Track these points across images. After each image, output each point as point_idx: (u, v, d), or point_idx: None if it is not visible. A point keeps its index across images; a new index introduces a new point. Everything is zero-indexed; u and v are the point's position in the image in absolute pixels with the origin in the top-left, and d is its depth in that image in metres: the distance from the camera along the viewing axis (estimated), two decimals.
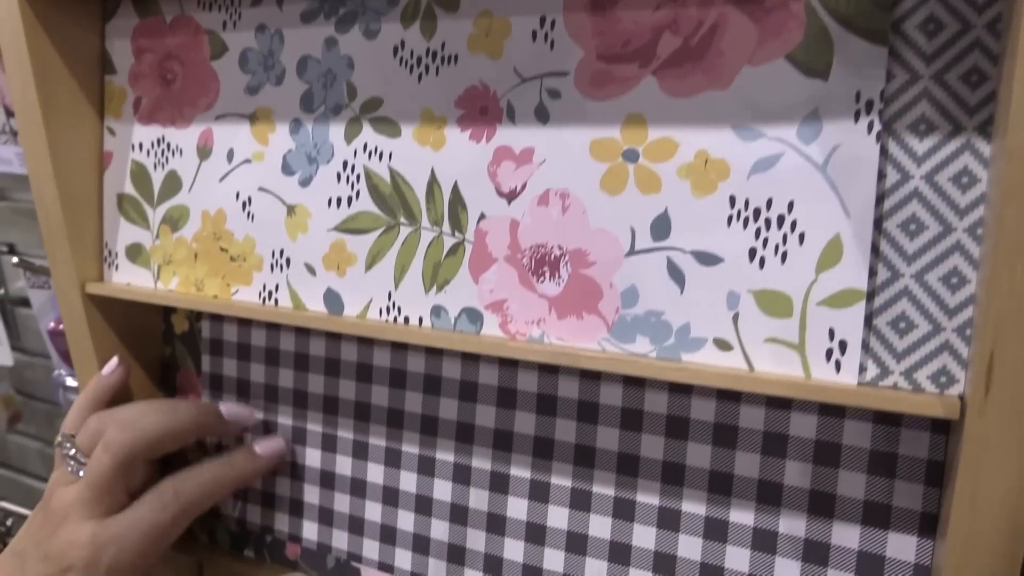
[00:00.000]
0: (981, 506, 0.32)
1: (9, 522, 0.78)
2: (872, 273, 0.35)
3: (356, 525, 0.52)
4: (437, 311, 0.43)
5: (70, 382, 0.74)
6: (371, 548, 0.52)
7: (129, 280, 0.54)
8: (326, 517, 0.53)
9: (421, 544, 0.50)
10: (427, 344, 0.42)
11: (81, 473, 0.47)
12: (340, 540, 0.53)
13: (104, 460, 0.45)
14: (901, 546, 0.38)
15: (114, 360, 0.53)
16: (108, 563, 0.44)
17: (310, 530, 0.54)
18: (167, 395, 0.59)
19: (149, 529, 0.45)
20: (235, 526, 0.57)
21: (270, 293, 0.48)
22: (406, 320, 0.44)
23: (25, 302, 0.83)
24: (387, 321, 0.44)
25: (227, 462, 0.50)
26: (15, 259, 0.70)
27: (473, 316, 0.42)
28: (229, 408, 0.52)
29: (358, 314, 0.45)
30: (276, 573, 0.55)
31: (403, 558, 0.51)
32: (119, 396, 0.53)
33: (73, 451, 0.47)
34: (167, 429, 0.48)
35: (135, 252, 0.53)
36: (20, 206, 0.79)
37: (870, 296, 0.35)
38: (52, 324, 0.72)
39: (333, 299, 0.46)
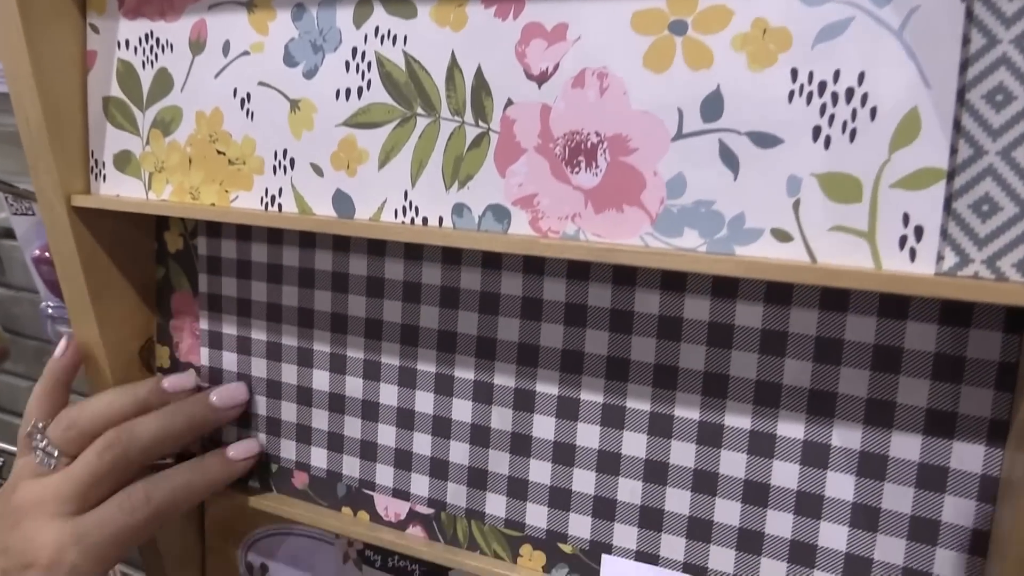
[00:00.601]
0: None
1: (0, 460, 0.75)
2: (953, 151, 0.31)
3: (368, 450, 0.49)
4: (459, 210, 0.39)
5: (56, 313, 0.70)
6: (385, 474, 0.48)
7: (118, 191, 0.50)
8: (336, 443, 0.50)
9: (439, 468, 0.47)
10: (449, 244, 0.38)
11: (51, 465, 0.45)
12: (351, 467, 0.50)
13: (94, 463, 0.44)
14: (967, 456, 0.35)
15: (63, 341, 0.50)
16: (72, 562, 0.42)
17: (318, 457, 0.51)
18: (163, 320, 0.55)
19: (117, 532, 0.43)
20: None
21: (273, 198, 0.44)
22: (424, 221, 0.40)
23: (8, 234, 0.79)
24: (403, 223, 0.41)
25: (200, 466, 0.48)
26: None
27: (500, 213, 0.39)
28: (219, 394, 0.50)
29: (371, 216, 0.42)
30: (282, 504, 0.52)
31: (420, 484, 0.47)
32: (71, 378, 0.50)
33: (44, 443, 0.45)
34: (166, 433, 0.46)
35: (124, 160, 0.49)
36: (1, 130, 0.74)
37: (950, 176, 0.31)
38: (37, 252, 0.68)
39: (343, 201, 0.42)
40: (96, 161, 0.50)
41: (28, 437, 0.46)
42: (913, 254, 0.32)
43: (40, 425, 0.46)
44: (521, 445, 0.44)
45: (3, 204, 0.71)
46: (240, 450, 0.51)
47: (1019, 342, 0.34)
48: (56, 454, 0.45)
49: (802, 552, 0.39)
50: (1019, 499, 0.32)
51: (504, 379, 0.44)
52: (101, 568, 0.43)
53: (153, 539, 0.57)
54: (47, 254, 0.67)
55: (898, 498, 0.37)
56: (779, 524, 0.39)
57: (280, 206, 0.44)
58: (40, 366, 0.82)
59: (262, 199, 0.45)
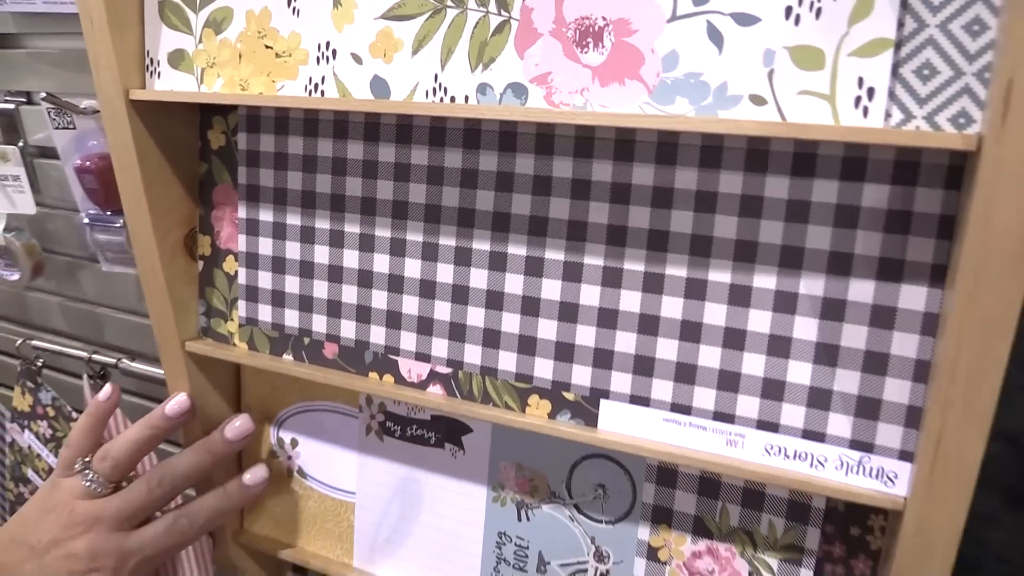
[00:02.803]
0: (994, 222, 0.35)
1: (40, 362, 0.81)
2: (900, 24, 0.38)
3: (393, 320, 0.55)
4: (483, 88, 0.46)
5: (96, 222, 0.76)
6: (408, 340, 0.55)
7: (172, 86, 0.55)
8: (363, 315, 0.56)
9: (457, 332, 0.53)
10: (474, 116, 0.44)
11: (99, 491, 0.56)
12: (378, 335, 0.56)
13: (146, 493, 0.56)
14: (912, 297, 0.42)
15: (108, 387, 0.60)
16: (130, 569, 0.55)
17: (348, 329, 0.57)
18: (205, 212, 0.61)
19: (164, 548, 0.56)
20: (272, 331, 0.60)
21: (316, 86, 0.50)
22: (452, 100, 0.46)
23: (44, 153, 0.84)
24: (433, 102, 0.47)
25: (224, 494, 0.60)
26: (43, 94, 0.71)
27: (518, 90, 0.45)
28: (232, 431, 0.60)
29: (404, 97, 0.48)
30: (315, 372, 0.58)
31: (439, 347, 0.54)
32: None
33: (92, 475, 0.56)
34: (199, 469, 0.59)
35: (178, 58, 0.55)
36: (37, 51, 0.80)
37: (897, 46, 0.38)
38: (79, 161, 0.74)
39: (380, 86, 0.48)
40: (152, 60, 0.56)
41: (75, 470, 0.57)
42: (866, 112, 0.38)
43: (87, 460, 0.57)
44: (530, 306, 0.51)
45: (45, 122, 0.77)
46: (255, 477, 0.62)
47: (957, 197, 0.41)
48: (102, 482, 0.56)
49: (773, 388, 0.46)
50: (954, 328, 0.39)
51: (516, 248, 0.50)
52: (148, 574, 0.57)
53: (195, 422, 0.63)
54: (88, 163, 0.73)
55: (854, 336, 0.44)
56: (754, 364, 0.46)
57: (323, 92, 0.50)
58: (72, 282, 0.88)
59: (306, 87, 0.51)
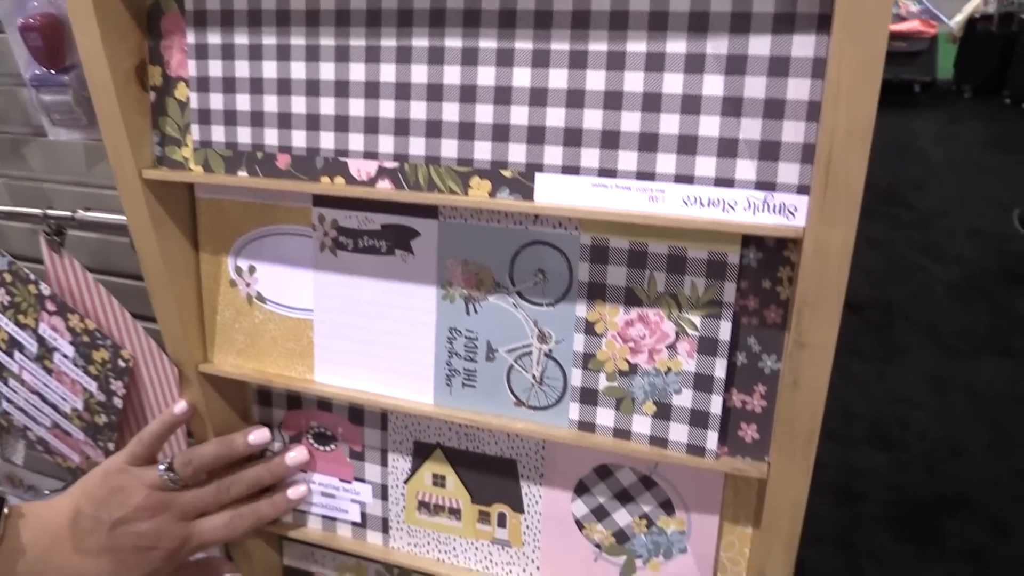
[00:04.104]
0: None
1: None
2: None
3: (341, 124, 0.59)
4: None
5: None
6: (356, 141, 0.59)
7: None
8: (313, 123, 0.60)
9: (401, 127, 0.57)
10: None
11: (173, 486, 0.66)
12: (327, 141, 0.60)
13: (214, 495, 0.68)
14: (804, 45, 0.47)
15: (183, 403, 0.72)
16: (184, 553, 0.65)
17: (299, 138, 0.61)
18: (154, 42, 0.64)
19: (216, 540, 0.67)
20: (226, 150, 0.63)
21: None
22: None
23: None
24: None
25: (271, 502, 0.72)
26: None
27: None
28: (291, 460, 0.72)
29: None
30: (268, 183, 0.62)
31: (386, 143, 0.58)
32: None
33: (171, 474, 0.66)
34: (258, 483, 0.71)
35: None
36: None
37: None
38: (22, 20, 0.75)
39: None
40: None
41: (157, 467, 0.67)
42: None
43: (169, 463, 0.67)
44: (467, 94, 0.55)
45: None
46: (297, 494, 0.73)
47: None
48: (179, 480, 0.66)
49: (687, 144, 0.51)
50: (835, 62, 0.44)
51: (452, 42, 0.55)
52: (193, 555, 0.67)
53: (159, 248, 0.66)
54: (32, 21, 0.74)
55: (755, 87, 0.49)
56: (670, 124, 0.51)
57: None
58: (15, 158, 0.89)
59: None
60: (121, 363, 0.78)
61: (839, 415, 2.47)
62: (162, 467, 0.67)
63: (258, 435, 0.72)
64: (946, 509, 2.13)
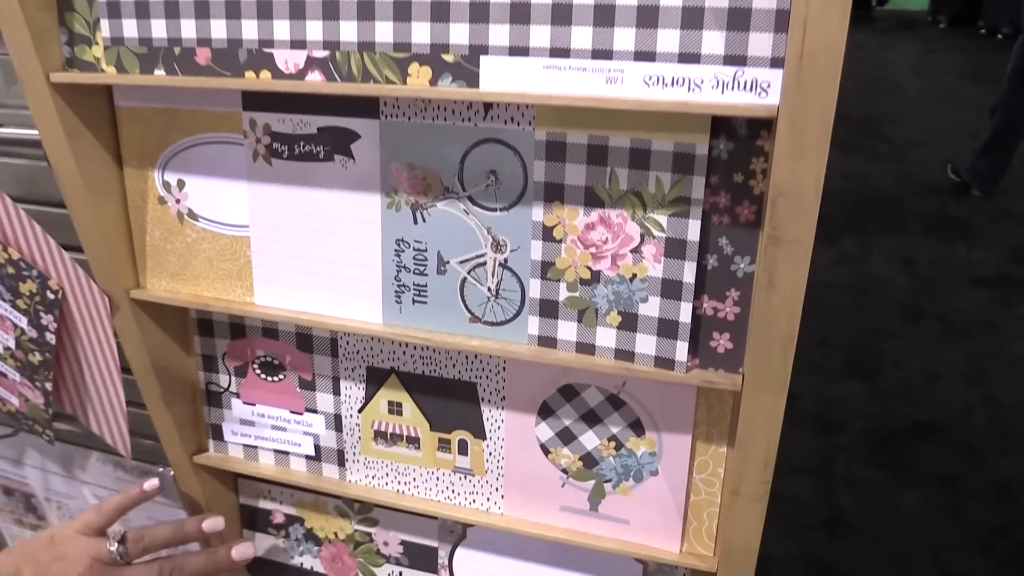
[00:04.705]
0: None
1: None
2: None
3: (264, 10, 0.53)
4: None
5: None
6: (281, 29, 0.53)
7: None
8: (233, 10, 0.54)
9: (330, 10, 0.51)
10: None
11: (120, 560, 0.64)
12: (250, 30, 0.54)
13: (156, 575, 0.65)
14: None
15: (155, 480, 0.69)
16: None
17: (218, 29, 0.54)
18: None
19: None
20: (140, 47, 0.57)
21: None
22: None
23: None
24: None
25: (213, 561, 0.69)
26: None
27: None
28: (238, 551, 0.70)
29: None
30: (188, 82, 0.55)
31: (314, 30, 0.52)
32: None
33: (119, 548, 0.64)
34: (204, 571, 0.68)
35: None
36: None
37: None
38: None
39: None
40: None
41: (107, 539, 0.65)
42: None
43: (122, 536, 0.65)
44: None
45: None
46: (241, 553, 0.70)
47: None
48: (127, 556, 0.65)
49: (647, 16, 0.45)
50: None
51: None
52: None
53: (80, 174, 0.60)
54: None
55: None
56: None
57: None
58: None
59: None
60: (50, 295, 0.73)
61: (815, 347, 2.46)
62: (113, 545, 0.65)
63: (212, 523, 0.70)
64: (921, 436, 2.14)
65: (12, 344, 0.79)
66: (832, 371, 2.39)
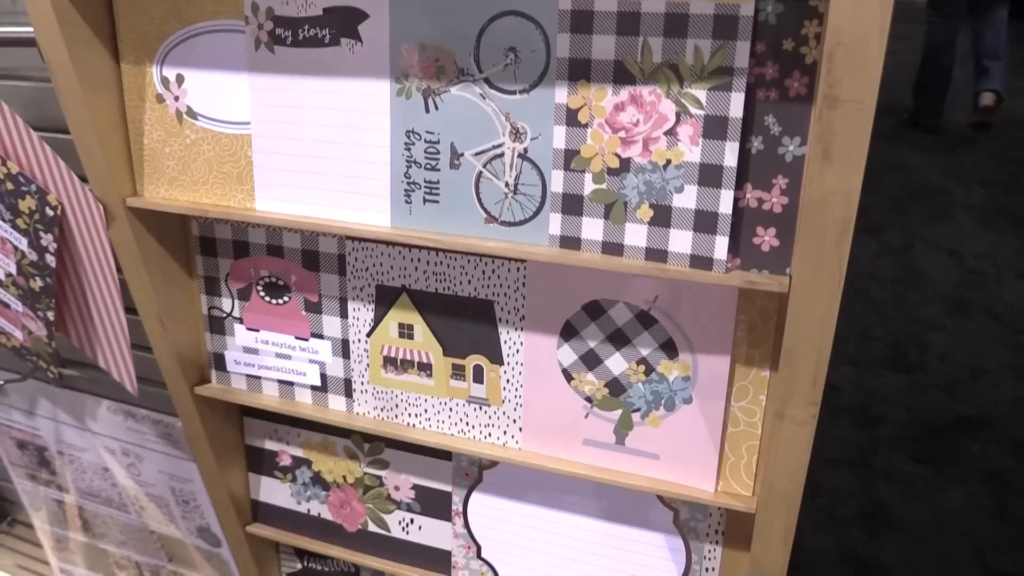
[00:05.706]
0: None
1: None
2: None
3: None
4: None
5: None
6: None
7: None
8: None
9: None
10: None
11: None
12: None
13: None
14: None
15: None
16: None
17: None
18: None
19: None
20: None
21: None
22: None
23: None
24: None
25: None
26: None
27: None
28: None
29: None
30: None
31: None
32: None
33: None
34: None
35: None
36: None
37: None
38: None
39: None
40: None
41: None
42: None
43: None
44: None
45: None
46: None
47: None
48: None
49: None
50: None
51: None
52: None
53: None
54: None
55: None
56: None
57: None
58: None
59: None
60: (49, 211, 0.69)
61: (856, 339, 2.37)
62: None
63: None
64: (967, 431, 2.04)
65: (13, 270, 0.76)
66: (874, 363, 2.30)
